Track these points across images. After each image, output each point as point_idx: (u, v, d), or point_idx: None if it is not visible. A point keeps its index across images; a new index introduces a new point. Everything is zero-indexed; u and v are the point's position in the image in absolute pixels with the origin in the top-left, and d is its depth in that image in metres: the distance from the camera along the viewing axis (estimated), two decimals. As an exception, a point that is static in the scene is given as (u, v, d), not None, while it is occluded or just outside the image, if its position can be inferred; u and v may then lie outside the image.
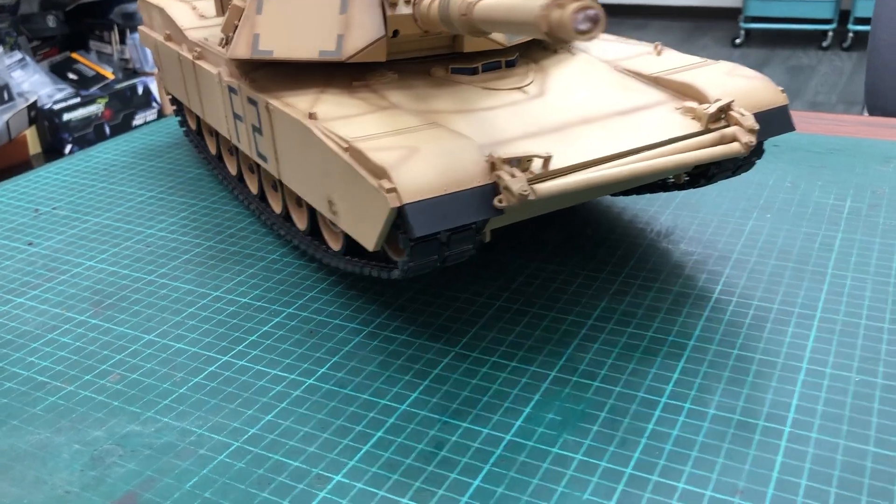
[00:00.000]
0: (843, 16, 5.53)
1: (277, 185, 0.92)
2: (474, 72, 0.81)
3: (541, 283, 0.81)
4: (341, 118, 0.72)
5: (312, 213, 0.85)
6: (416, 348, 0.73)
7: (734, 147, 0.70)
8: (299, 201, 0.88)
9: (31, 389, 0.70)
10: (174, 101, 1.24)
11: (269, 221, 0.94)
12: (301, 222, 0.88)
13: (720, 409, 0.63)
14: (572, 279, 0.82)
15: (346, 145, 0.66)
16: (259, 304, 0.81)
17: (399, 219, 0.62)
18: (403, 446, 0.61)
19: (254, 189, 1.00)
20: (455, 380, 0.68)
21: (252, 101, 0.82)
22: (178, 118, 1.25)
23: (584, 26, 0.44)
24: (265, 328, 0.77)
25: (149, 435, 0.64)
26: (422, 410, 0.65)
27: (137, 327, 0.78)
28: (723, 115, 0.72)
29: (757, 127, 0.71)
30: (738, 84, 0.77)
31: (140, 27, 1.24)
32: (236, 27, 0.83)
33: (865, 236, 0.87)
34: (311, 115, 0.72)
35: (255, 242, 0.94)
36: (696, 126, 0.72)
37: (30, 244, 0.97)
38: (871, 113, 1.88)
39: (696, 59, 0.84)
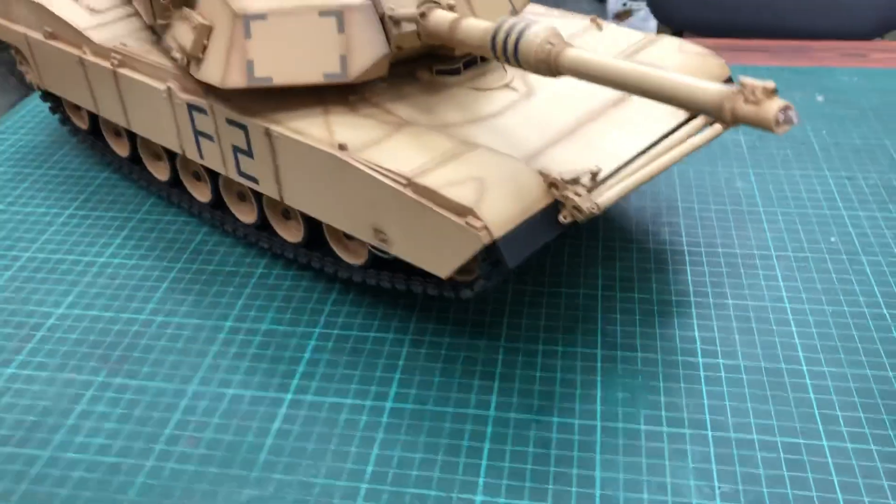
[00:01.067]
0: None
1: (249, 195, 0.90)
2: (457, 72, 0.83)
3: (536, 261, 0.88)
4: (371, 145, 0.72)
5: (311, 227, 0.84)
6: (465, 349, 0.78)
7: (718, 128, 0.80)
8: (286, 213, 0.87)
9: (108, 475, 0.67)
10: (48, 97, 1.11)
11: (241, 233, 0.92)
12: (293, 235, 0.87)
13: (746, 359, 0.75)
14: (560, 250, 0.90)
15: (405, 181, 0.68)
16: (282, 328, 0.81)
17: (486, 250, 0.66)
18: (516, 453, 0.68)
19: (203, 198, 0.96)
20: (520, 375, 0.75)
21: (236, 124, 0.79)
22: (57, 115, 1.12)
23: (783, 129, 0.51)
24: (307, 355, 0.78)
25: (271, 497, 0.65)
26: (510, 413, 0.71)
27: (171, 378, 0.76)
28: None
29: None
30: (693, 62, 0.86)
31: (-12, 17, 1.08)
32: (205, 47, 0.78)
33: (769, 169, 1.03)
34: (342, 147, 0.72)
35: (228, 257, 0.91)
36: (682, 111, 0.81)
37: (-34, 298, 0.87)
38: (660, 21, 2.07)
39: (637, 34, 0.92)
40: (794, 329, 0.78)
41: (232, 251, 0.92)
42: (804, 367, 0.74)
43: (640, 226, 0.94)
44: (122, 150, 1.05)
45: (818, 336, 0.78)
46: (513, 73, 0.84)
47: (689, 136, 0.78)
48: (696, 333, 0.79)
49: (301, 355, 0.78)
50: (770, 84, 0.51)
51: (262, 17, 0.74)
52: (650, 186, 0.99)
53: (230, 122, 0.80)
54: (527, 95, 0.81)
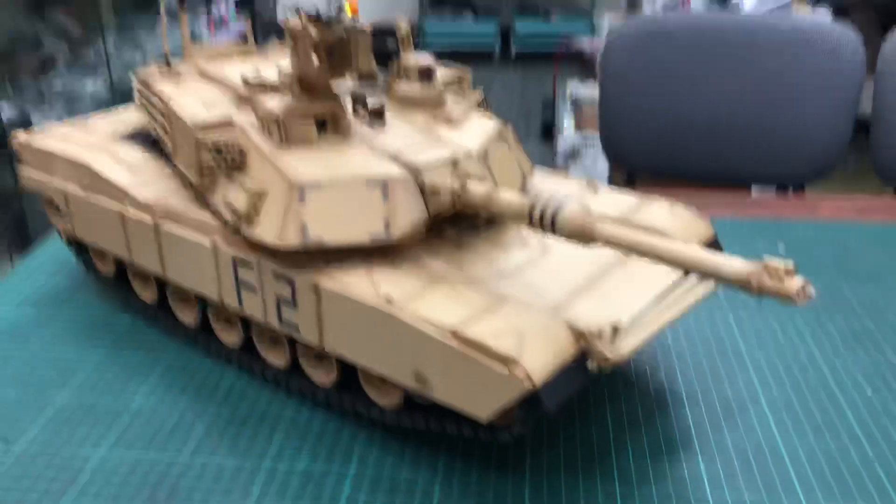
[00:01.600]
0: (506, 34, 6.23)
1: (283, 340, 0.96)
2: (479, 231, 0.93)
3: (548, 401, 0.96)
4: (413, 298, 0.81)
5: (343, 370, 0.91)
6: (493, 486, 0.84)
7: (710, 286, 0.91)
8: (319, 357, 0.94)
9: None
10: (73, 243, 1.17)
11: (271, 376, 0.98)
12: (325, 378, 0.93)
13: (751, 494, 0.83)
14: (569, 391, 0.98)
15: (449, 332, 0.76)
16: (318, 467, 0.86)
17: (526, 396, 0.73)
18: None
19: (232, 341, 1.01)
20: (549, 511, 0.81)
21: (283, 278, 0.86)
22: (82, 261, 1.18)
23: (803, 302, 0.61)
24: (346, 491, 0.83)
25: None
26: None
27: (218, 519, 0.80)
28: (694, 256, 0.93)
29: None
30: (684, 224, 0.98)
31: (22, 169, 1.15)
32: (258, 210, 0.86)
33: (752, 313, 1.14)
34: (388, 300, 0.80)
35: (258, 399, 0.97)
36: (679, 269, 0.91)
37: (5, 441, 0.90)
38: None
39: (630, 197, 1.04)
40: (789, 466, 0.87)
41: (261, 393, 0.98)
42: (803, 502, 0.82)
43: (639, 368, 1.02)
44: (148, 296, 1.11)
45: (812, 472, 0.86)
46: (527, 233, 0.94)
47: (691, 289, 0.88)
48: (703, 470, 0.86)
49: (340, 493, 0.83)
50: (790, 265, 0.62)
51: (316, 185, 0.83)
52: (643, 331, 1.09)
53: (277, 275, 0.87)
54: (542, 253, 0.91)
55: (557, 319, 0.78)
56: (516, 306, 0.79)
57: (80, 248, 1.18)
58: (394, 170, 0.85)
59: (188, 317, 1.06)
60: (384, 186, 0.84)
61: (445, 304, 0.80)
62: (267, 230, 0.85)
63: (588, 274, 0.88)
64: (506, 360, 0.73)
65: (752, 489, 0.83)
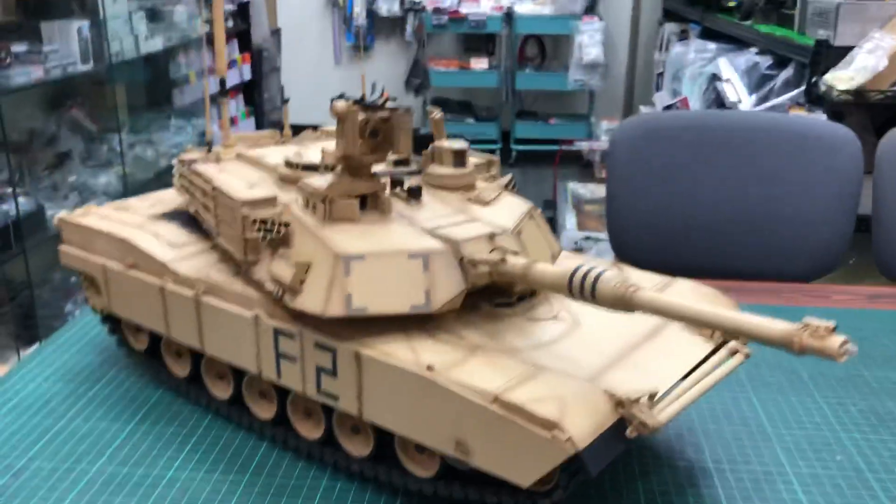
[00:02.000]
0: (506, 136, 6.39)
1: (316, 412, 0.97)
2: (512, 304, 0.96)
3: (579, 475, 0.97)
4: (454, 366, 0.83)
5: (378, 442, 0.92)
6: (531, 558, 0.84)
7: (740, 357, 0.93)
8: (355, 430, 0.95)
9: None
10: (107, 320, 1.20)
11: (304, 448, 0.99)
12: (359, 449, 0.94)
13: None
14: (599, 466, 0.99)
15: (491, 398, 0.78)
16: (355, 538, 0.86)
17: (568, 461, 0.75)
18: None
19: (266, 415, 1.03)
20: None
21: (325, 347, 0.89)
22: (115, 336, 1.20)
23: (844, 359, 0.64)
24: (384, 564, 0.83)
25: None
26: None
27: (257, 588, 0.80)
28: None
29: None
30: (711, 301, 1.01)
31: (63, 247, 1.19)
32: (302, 281, 0.89)
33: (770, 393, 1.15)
34: (430, 368, 0.82)
35: (292, 470, 0.97)
36: (709, 342, 0.94)
37: (41, 510, 0.90)
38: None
39: (655, 276, 1.08)
40: (822, 539, 0.87)
41: (294, 465, 0.98)
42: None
43: (667, 445, 1.04)
44: (180, 370, 1.13)
45: (845, 545, 0.86)
46: (558, 307, 0.97)
47: (720, 362, 0.91)
48: (738, 543, 0.87)
49: (378, 565, 0.83)
50: (831, 324, 0.65)
51: (360, 258, 0.87)
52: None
53: (318, 345, 0.89)
54: (574, 325, 0.94)
55: (595, 387, 0.80)
56: (555, 374, 0.82)
57: (113, 324, 1.20)
58: (434, 243, 0.89)
59: (220, 391, 1.08)
60: (425, 259, 0.87)
61: (485, 372, 0.82)
62: (312, 300, 0.88)
63: (620, 346, 0.91)
64: (548, 425, 0.75)
65: (788, 562, 0.84)
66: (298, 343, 0.92)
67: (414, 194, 0.98)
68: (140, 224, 1.14)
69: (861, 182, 2.15)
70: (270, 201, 0.96)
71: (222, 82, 1.20)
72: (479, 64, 6.15)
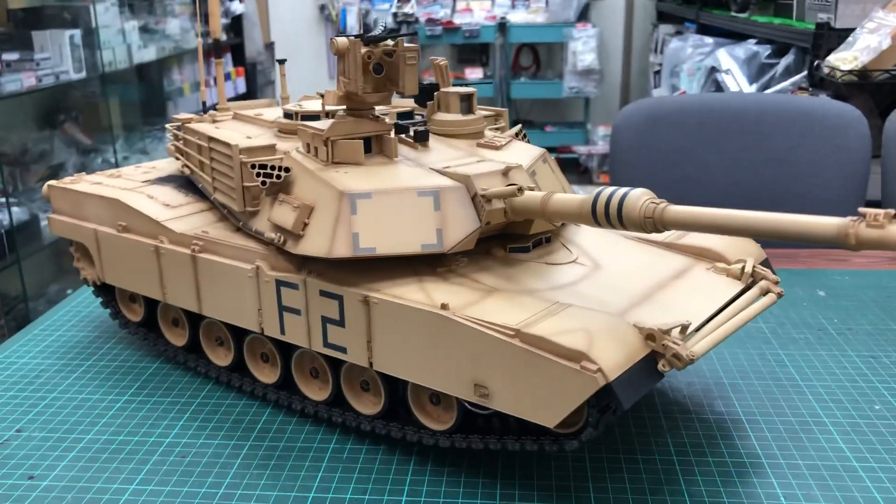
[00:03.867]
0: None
1: (319, 371, 0.92)
2: (527, 250, 0.90)
3: (606, 431, 0.91)
4: (470, 305, 0.77)
5: (390, 397, 0.86)
6: (558, 511, 0.78)
7: (772, 297, 0.88)
8: (364, 386, 0.89)
9: None
10: (101, 292, 1.14)
11: (311, 410, 0.93)
12: (369, 407, 0.89)
13: (835, 512, 0.77)
14: (625, 422, 0.93)
15: (512, 332, 0.72)
16: (367, 497, 0.80)
17: (598, 395, 0.69)
18: None
19: (268, 379, 0.97)
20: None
21: (331, 295, 0.83)
22: (108, 310, 1.15)
23: None
24: (400, 520, 0.77)
25: None
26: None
27: (264, 547, 0.74)
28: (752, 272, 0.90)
29: (778, 279, 0.90)
30: (735, 243, 0.95)
31: (52, 216, 1.14)
32: (306, 224, 0.84)
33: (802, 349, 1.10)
34: (444, 306, 0.76)
35: (297, 434, 0.91)
36: (738, 283, 0.89)
37: (30, 478, 0.84)
38: None
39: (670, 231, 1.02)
40: (869, 485, 0.81)
41: (300, 429, 0.92)
42: None
43: (694, 399, 0.98)
44: (178, 340, 1.07)
45: (895, 490, 0.80)
46: (577, 252, 0.92)
47: (752, 300, 0.85)
48: (779, 491, 0.81)
49: (394, 522, 0.77)
50: (891, 210, 0.59)
51: (366, 195, 0.81)
52: (694, 366, 1.04)
53: (324, 293, 0.84)
54: (595, 269, 0.89)
55: (624, 321, 0.75)
56: (579, 309, 0.76)
57: (107, 296, 1.15)
58: (444, 180, 0.84)
59: (220, 358, 1.02)
60: (436, 196, 0.82)
61: (504, 309, 0.76)
62: (316, 244, 0.82)
63: (646, 286, 0.85)
64: (576, 356, 0.69)
65: (834, 507, 0.78)
66: (303, 294, 0.86)
67: (421, 137, 0.92)
68: (133, 188, 1.09)
69: (869, 161, 2.10)
70: (269, 148, 0.91)
71: (216, 43, 1.16)
72: (474, 74, 6.12)
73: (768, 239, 0.67)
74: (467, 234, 0.82)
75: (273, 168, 0.88)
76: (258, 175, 0.88)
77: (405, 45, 0.85)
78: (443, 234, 0.82)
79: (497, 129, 1.06)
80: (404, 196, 0.82)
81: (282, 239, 0.86)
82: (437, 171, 0.85)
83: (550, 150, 5.16)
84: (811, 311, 1.22)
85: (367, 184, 0.83)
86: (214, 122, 1.11)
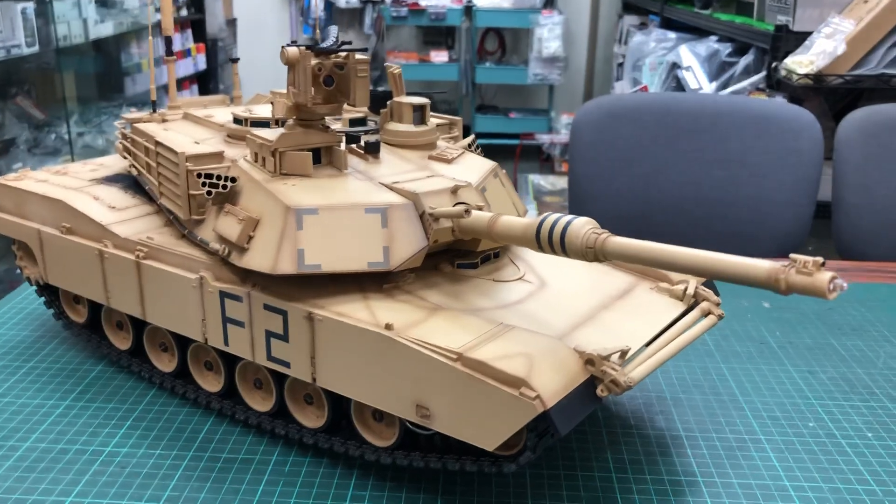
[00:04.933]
0: (466, 130, 6.33)
1: (263, 382, 0.91)
2: (475, 266, 0.91)
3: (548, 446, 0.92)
4: (414, 325, 0.77)
5: (333, 411, 0.86)
6: (496, 529, 0.79)
7: (713, 319, 0.89)
8: (308, 399, 0.89)
9: None
10: (44, 292, 1.12)
11: (254, 421, 0.92)
12: (312, 420, 0.89)
13: (765, 533, 0.79)
14: (568, 437, 0.94)
15: (455, 356, 0.73)
16: (309, 512, 0.81)
17: (536, 421, 0.70)
18: None
19: (212, 387, 0.96)
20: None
21: (275, 310, 0.83)
22: (52, 311, 1.13)
23: (834, 295, 0.59)
24: (339, 538, 0.77)
25: None
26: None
27: (201, 565, 0.73)
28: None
29: (719, 300, 0.92)
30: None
31: (-9, 213, 1.11)
32: (250, 238, 0.83)
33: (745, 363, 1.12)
34: (388, 326, 0.76)
35: (240, 445, 0.91)
36: (679, 304, 0.90)
37: (-36, 488, 0.83)
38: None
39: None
40: (799, 504, 0.84)
41: (243, 439, 0.92)
42: None
43: (636, 414, 0.99)
44: (122, 343, 1.06)
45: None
46: (524, 268, 0.92)
47: (693, 323, 0.87)
48: (713, 510, 0.83)
49: (333, 539, 0.77)
50: (819, 259, 0.60)
51: (313, 211, 0.81)
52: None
53: (268, 307, 0.83)
54: (541, 287, 0.89)
55: (564, 345, 0.75)
56: (522, 332, 0.77)
57: (50, 296, 1.13)
58: (393, 197, 0.83)
59: (164, 364, 1.01)
60: (384, 213, 0.82)
61: (448, 330, 0.77)
62: (260, 258, 0.82)
63: (589, 307, 0.86)
64: (516, 382, 0.70)
65: (764, 528, 0.80)
66: (247, 306, 0.85)
67: (371, 149, 0.92)
68: (79, 187, 1.06)
69: (821, 164, 2.14)
70: (217, 156, 0.90)
71: (168, 41, 1.13)
72: (439, 57, 6.09)
73: (704, 277, 0.68)
74: (414, 253, 0.82)
75: (219, 178, 0.87)
76: (204, 185, 0.87)
77: (357, 57, 0.84)
78: (389, 251, 0.82)
79: (451, 138, 1.05)
80: (352, 212, 0.81)
81: (226, 251, 0.85)
82: (387, 187, 0.85)
83: (514, 136, 5.15)
84: (755, 323, 1.24)
85: (315, 199, 0.82)
86: (164, 121, 1.09)
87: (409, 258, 0.82)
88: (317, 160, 0.88)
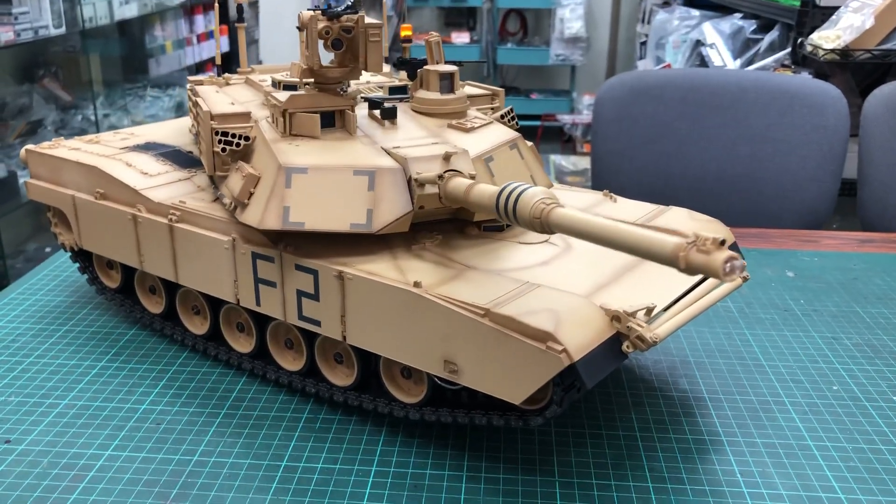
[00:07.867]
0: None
1: (294, 343, 0.93)
2: (502, 228, 0.92)
3: (572, 406, 0.93)
4: (442, 283, 0.79)
5: (362, 370, 0.88)
6: (522, 484, 0.81)
7: (737, 282, 0.90)
8: (338, 359, 0.91)
9: None
10: (78, 258, 1.15)
11: (285, 380, 0.95)
12: (342, 379, 0.91)
13: (787, 489, 0.81)
14: (592, 398, 0.95)
15: (482, 311, 0.74)
16: (338, 466, 0.83)
17: (562, 374, 0.71)
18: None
19: (244, 349, 0.99)
20: (582, 506, 0.78)
21: (305, 269, 0.85)
22: (86, 276, 1.15)
23: (729, 279, 0.57)
24: (367, 491, 0.79)
25: None
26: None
27: (236, 514, 0.76)
28: (717, 254, 0.92)
29: (745, 263, 0.92)
30: (703, 227, 0.97)
31: (29, 181, 1.14)
32: (251, 194, 0.85)
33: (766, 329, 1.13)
34: (417, 284, 0.78)
35: (272, 403, 0.93)
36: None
37: (7, 442, 0.86)
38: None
39: (649, 205, 1.04)
40: (822, 463, 0.84)
41: (274, 398, 0.94)
42: (842, 496, 0.80)
43: (660, 377, 1.00)
44: (154, 307, 1.08)
45: (846, 469, 0.84)
46: (548, 232, 0.93)
47: (714, 287, 0.87)
48: (735, 468, 0.84)
49: (362, 491, 0.79)
50: (719, 236, 0.58)
51: (302, 170, 0.82)
52: (661, 345, 1.07)
53: (299, 267, 0.85)
54: (566, 249, 0.90)
55: (590, 302, 0.77)
56: (547, 290, 0.78)
57: (84, 262, 1.15)
58: (384, 161, 0.84)
59: (197, 326, 1.04)
60: (371, 176, 0.83)
61: (475, 288, 0.78)
62: (252, 213, 0.84)
63: (615, 267, 0.87)
64: (542, 336, 0.71)
65: (788, 485, 0.81)
66: (278, 267, 0.87)
67: (387, 115, 0.93)
68: (111, 155, 1.09)
69: (847, 139, 2.12)
70: (243, 116, 0.92)
71: (239, 8, 1.16)
72: (461, 38, 6.08)
73: (616, 250, 0.64)
74: (397, 217, 0.83)
75: (234, 136, 0.89)
76: (220, 142, 0.89)
77: (369, 21, 0.85)
78: (373, 214, 0.83)
79: (492, 108, 1.06)
80: (340, 174, 0.83)
81: (233, 205, 0.88)
82: (386, 151, 0.86)
83: (536, 117, 5.12)
84: (779, 291, 1.24)
85: (308, 159, 0.83)
86: (227, 84, 1.11)
87: (391, 222, 0.83)
88: (331, 123, 0.90)
